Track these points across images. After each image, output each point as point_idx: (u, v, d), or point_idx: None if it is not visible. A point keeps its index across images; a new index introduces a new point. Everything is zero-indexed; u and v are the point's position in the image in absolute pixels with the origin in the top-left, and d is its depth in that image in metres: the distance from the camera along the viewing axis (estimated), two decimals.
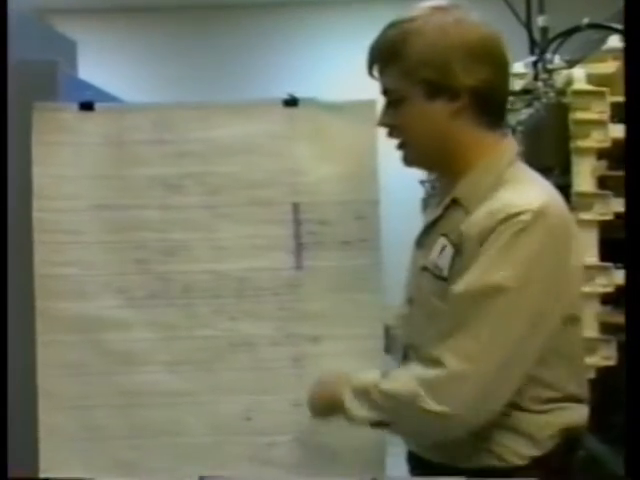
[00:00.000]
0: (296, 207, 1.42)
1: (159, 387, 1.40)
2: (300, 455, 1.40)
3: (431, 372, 1.06)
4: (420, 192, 1.98)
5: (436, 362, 1.05)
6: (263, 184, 1.42)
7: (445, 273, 1.12)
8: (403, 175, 1.44)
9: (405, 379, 1.09)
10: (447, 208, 1.16)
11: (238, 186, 1.42)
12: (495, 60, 1.13)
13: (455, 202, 1.15)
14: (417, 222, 1.32)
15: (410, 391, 1.06)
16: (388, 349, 1.41)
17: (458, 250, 1.10)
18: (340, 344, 1.41)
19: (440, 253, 1.14)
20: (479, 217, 1.07)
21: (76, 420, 1.40)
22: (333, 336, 1.41)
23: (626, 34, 1.05)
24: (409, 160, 1.18)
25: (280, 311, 1.42)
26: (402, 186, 1.84)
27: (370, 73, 1.17)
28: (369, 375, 1.16)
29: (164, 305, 1.41)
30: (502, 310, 1.04)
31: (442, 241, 1.14)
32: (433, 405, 1.05)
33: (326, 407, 1.21)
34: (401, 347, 1.25)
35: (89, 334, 1.41)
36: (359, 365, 1.35)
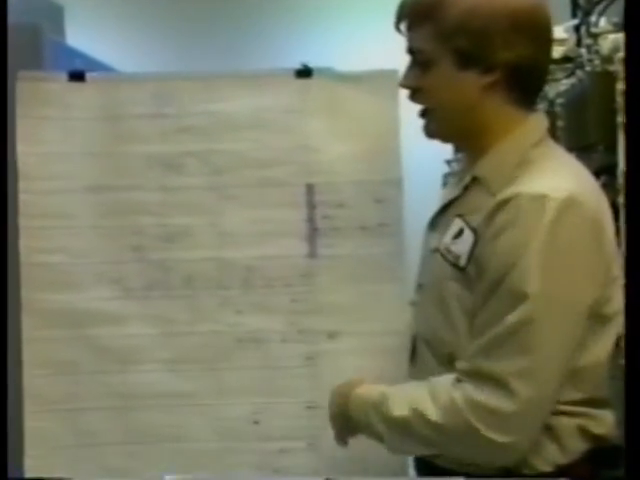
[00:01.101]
0: (310, 188, 1.34)
1: (158, 388, 1.32)
2: (314, 463, 1.32)
3: (494, 400, 0.96)
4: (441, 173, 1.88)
5: (499, 386, 0.95)
6: (273, 163, 1.34)
7: (463, 262, 1.03)
8: (428, 153, 1.36)
9: (457, 405, 0.98)
10: (467, 187, 1.09)
11: (246, 165, 1.34)
12: (540, 34, 1.04)
13: (476, 181, 1.06)
14: None
15: (469, 423, 0.96)
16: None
17: (478, 239, 1.02)
18: (358, 340, 1.32)
19: (456, 237, 1.06)
20: (499, 205, 0.99)
21: (65, 424, 1.32)
22: (350, 332, 1.33)
23: (626, 34, 0.99)
24: (431, 130, 1.10)
25: (292, 304, 1.33)
26: (427, 165, 1.76)
27: (397, 27, 1.08)
28: (398, 395, 1.04)
29: (163, 297, 1.33)
30: (550, 323, 0.96)
31: (458, 223, 1.06)
32: (499, 437, 0.96)
33: (352, 429, 1.11)
34: (410, 338, 1.16)
35: (79, 329, 1.32)
36: (379, 364, 1.29)
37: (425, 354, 1.10)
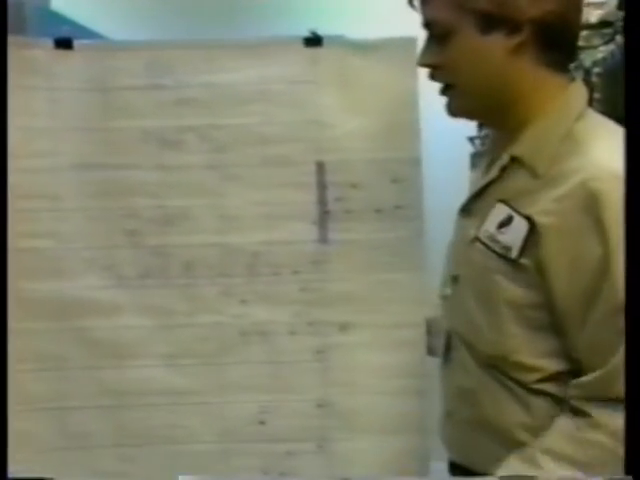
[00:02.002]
0: (320, 167, 1.27)
1: (154, 385, 1.25)
2: (325, 467, 1.26)
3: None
4: (469, 150, 1.81)
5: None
6: (280, 139, 1.27)
7: (514, 254, 0.96)
8: (449, 130, 1.29)
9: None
10: (505, 169, 1.01)
11: (250, 142, 1.27)
12: None
13: (515, 161, 0.99)
14: (467, 186, 1.15)
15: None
16: (432, 350, 1.24)
17: (538, 230, 0.94)
18: (373, 333, 1.26)
19: (503, 225, 0.99)
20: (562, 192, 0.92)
21: (53, 425, 1.25)
22: (364, 324, 1.26)
23: (626, 34, 0.97)
24: (455, 108, 1.04)
25: (301, 293, 1.26)
26: (448, 143, 1.68)
27: (409, 1, 1.01)
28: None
29: (160, 286, 1.26)
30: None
31: (503, 209, 0.99)
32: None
33: None
34: (443, 335, 1.10)
35: (68, 320, 1.25)
36: (395, 359, 1.24)
37: (462, 354, 1.03)
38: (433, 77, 1.04)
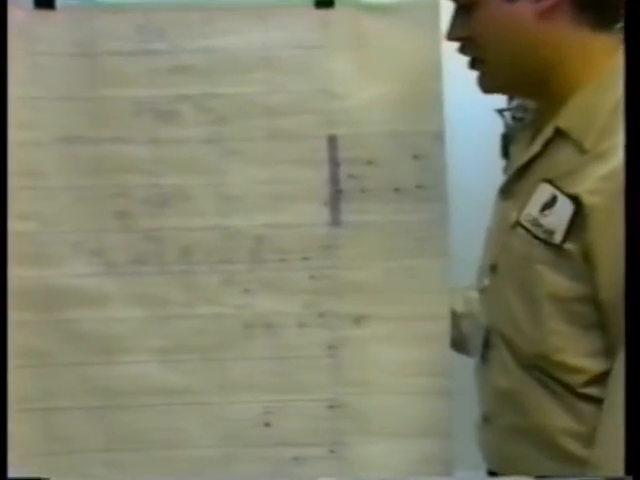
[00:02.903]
0: (332, 142, 1.19)
1: (148, 383, 1.18)
2: (337, 474, 1.19)
3: None
4: (498, 124, 1.76)
5: None
6: (288, 111, 1.19)
7: (558, 238, 0.91)
8: (476, 101, 1.22)
9: None
10: (548, 143, 0.96)
11: (254, 113, 1.19)
12: None
13: (560, 134, 0.93)
14: (495, 164, 1.15)
15: None
16: (457, 344, 1.18)
17: (581, 210, 0.89)
18: (391, 326, 1.19)
19: (547, 207, 0.94)
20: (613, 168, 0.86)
21: (36, 427, 1.18)
22: (382, 315, 1.19)
23: (626, 34, 0.89)
24: (487, 83, 1.00)
25: (311, 281, 1.19)
26: (474, 116, 1.62)
27: None
28: None
29: (155, 273, 1.19)
30: None
31: (547, 190, 0.94)
32: None
33: None
34: (481, 331, 1.05)
35: (52, 312, 1.18)
36: (416, 355, 1.18)
37: (502, 352, 0.98)
38: (463, 51, 1.01)
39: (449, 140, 1.20)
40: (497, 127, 1.67)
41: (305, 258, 1.20)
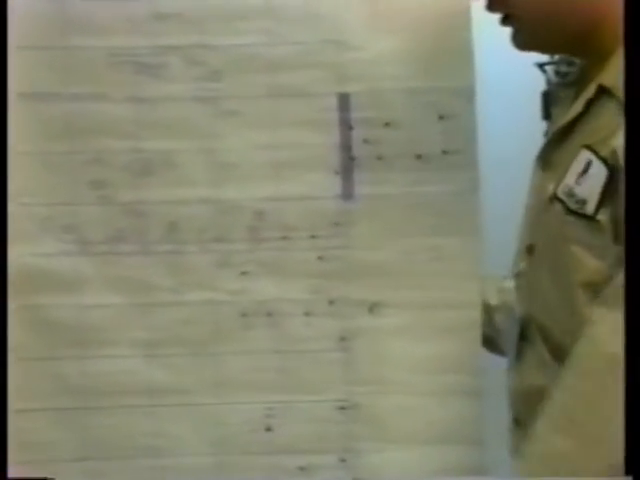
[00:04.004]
0: (344, 100, 1.10)
1: (131, 381, 1.10)
2: None
3: None
4: (539, 80, 1.70)
5: None
6: (292, 65, 1.10)
7: (591, 209, 0.86)
8: (512, 53, 1.13)
9: None
10: (591, 103, 0.90)
11: (252, 68, 1.10)
12: None
13: (604, 92, 0.88)
14: (535, 127, 1.09)
15: None
16: (489, 341, 1.11)
17: (614, 174, 0.84)
18: (411, 315, 1.10)
19: (582, 175, 0.88)
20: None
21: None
22: (400, 303, 1.10)
23: (625, 35, 0.86)
24: (521, 41, 0.94)
25: (319, 264, 1.11)
26: (510, 70, 1.53)
27: None
28: None
29: (137, 253, 1.10)
30: None
31: (586, 156, 0.87)
32: None
33: None
34: (517, 323, 0.97)
35: (19, 297, 1.09)
36: (440, 349, 1.09)
37: (538, 346, 0.92)
38: (491, 7, 0.95)
39: (480, 99, 1.11)
40: (537, 84, 1.59)
41: (312, 236, 1.11)
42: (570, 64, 1.19)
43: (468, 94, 1.10)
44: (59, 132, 1.10)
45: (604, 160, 0.85)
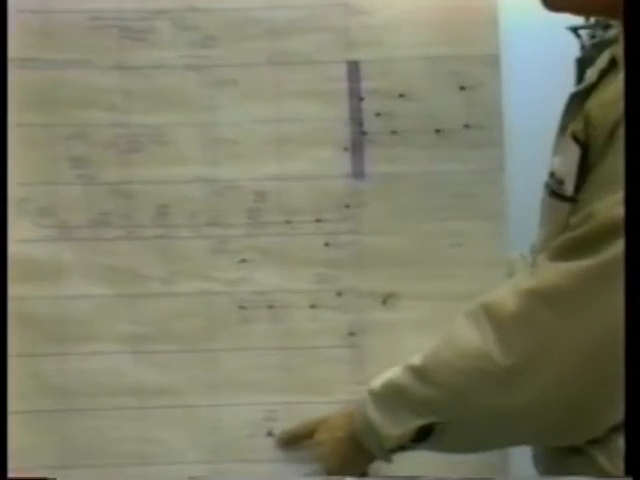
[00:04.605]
0: (353, 69, 1.02)
1: (116, 380, 1.02)
2: None
3: None
4: (572, 46, 1.61)
5: None
6: (295, 30, 1.03)
7: (568, 189, 0.82)
8: (542, 16, 1.06)
9: None
10: (605, 74, 0.84)
11: (251, 33, 1.02)
12: None
13: (615, 65, 0.83)
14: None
15: None
16: None
17: (586, 147, 0.81)
18: (428, 308, 1.02)
19: (561, 152, 0.85)
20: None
21: None
22: (416, 294, 1.03)
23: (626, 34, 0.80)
24: (554, 2, 0.86)
25: (326, 250, 1.03)
26: (540, 35, 1.46)
27: None
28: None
29: (123, 238, 1.02)
30: None
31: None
32: None
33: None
34: None
35: None
36: None
37: None
38: None
39: (506, 67, 1.03)
40: (571, 50, 1.52)
41: (319, 220, 1.03)
42: (606, 28, 1.11)
43: (492, 62, 1.03)
44: (37, 103, 1.02)
45: (574, 136, 0.81)
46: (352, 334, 1.03)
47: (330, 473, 0.96)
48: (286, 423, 1.01)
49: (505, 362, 0.80)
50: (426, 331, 1.01)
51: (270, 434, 1.02)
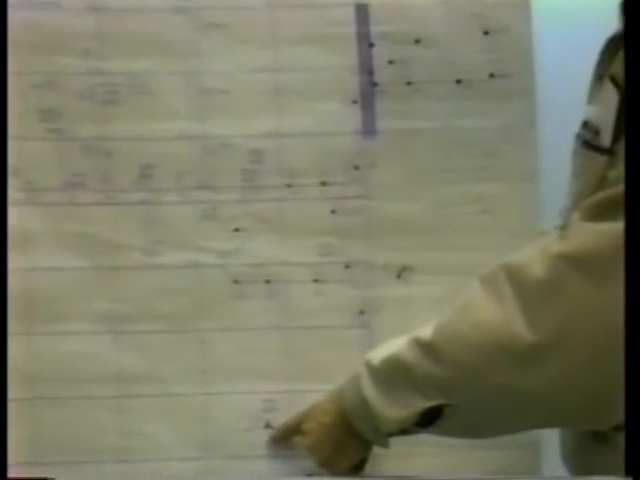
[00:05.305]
0: (362, 11, 0.95)
1: (93, 365, 0.94)
2: None
3: None
4: None
5: None
6: None
7: (605, 140, 0.74)
8: None
9: None
10: None
11: None
12: None
13: None
14: None
15: None
16: None
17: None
18: (448, 282, 0.93)
19: (597, 99, 0.78)
20: None
21: None
22: (435, 267, 0.95)
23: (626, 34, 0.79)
24: None
25: (333, 218, 0.96)
26: None
27: None
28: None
29: (101, 204, 0.94)
30: None
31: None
32: None
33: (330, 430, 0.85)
34: None
35: None
36: None
37: None
38: None
39: (538, 8, 0.95)
40: None
41: (324, 183, 0.95)
42: None
43: (521, 3, 0.94)
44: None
45: (613, 79, 0.74)
46: (362, 312, 0.95)
47: (322, 465, 0.86)
48: (286, 414, 0.93)
49: (530, 337, 0.71)
50: (445, 309, 0.95)
51: (268, 426, 0.94)
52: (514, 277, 0.74)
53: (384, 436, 0.81)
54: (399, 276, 0.95)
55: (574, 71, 0.89)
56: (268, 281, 0.95)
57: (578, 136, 0.82)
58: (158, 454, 0.95)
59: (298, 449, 0.92)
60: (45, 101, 0.94)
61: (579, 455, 0.85)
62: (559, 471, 0.90)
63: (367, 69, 0.95)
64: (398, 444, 0.86)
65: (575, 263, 0.72)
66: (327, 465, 0.88)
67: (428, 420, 0.79)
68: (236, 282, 0.95)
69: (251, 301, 0.96)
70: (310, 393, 0.93)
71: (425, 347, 0.78)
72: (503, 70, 0.94)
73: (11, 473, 0.89)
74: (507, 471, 0.92)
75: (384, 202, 0.96)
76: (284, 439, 0.92)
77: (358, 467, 0.88)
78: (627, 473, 0.71)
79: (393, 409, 0.80)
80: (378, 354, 0.83)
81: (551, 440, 0.89)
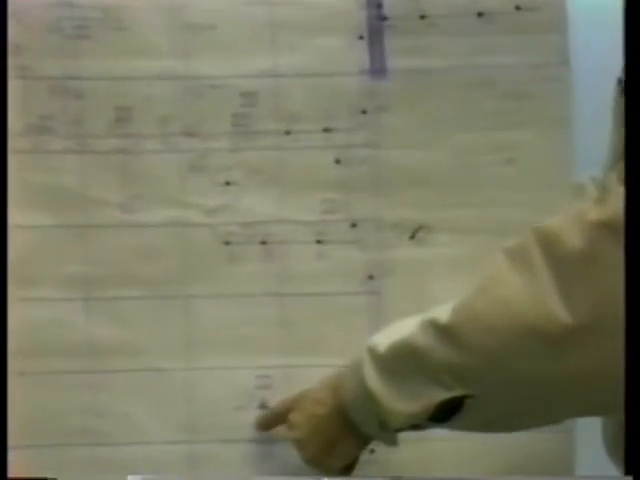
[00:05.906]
0: None
1: (63, 336, 0.85)
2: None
3: None
4: None
5: None
6: None
7: None
8: None
9: None
10: None
11: None
12: None
13: None
14: None
15: None
16: None
17: None
18: (468, 243, 0.86)
19: None
20: None
21: None
22: (453, 226, 0.87)
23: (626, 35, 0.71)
24: None
25: (337, 169, 0.87)
26: None
27: None
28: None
29: (71, 151, 0.85)
30: None
31: None
32: None
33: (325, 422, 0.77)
34: None
35: None
36: None
37: None
38: None
39: None
40: None
41: (327, 130, 0.86)
42: None
43: None
44: None
45: None
46: (371, 277, 0.87)
47: (310, 463, 0.77)
48: (284, 392, 0.84)
49: (567, 318, 0.62)
50: (465, 274, 0.85)
51: (263, 406, 0.85)
52: (549, 247, 0.65)
53: (391, 433, 0.73)
54: (413, 236, 0.88)
55: (614, 2, 0.82)
56: (264, 242, 0.87)
57: (620, 81, 0.74)
58: (136, 437, 0.87)
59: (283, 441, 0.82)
60: (15, 37, 0.84)
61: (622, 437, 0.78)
62: (596, 458, 0.83)
63: (375, 0, 0.87)
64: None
65: (616, 233, 0.63)
66: (316, 463, 0.77)
67: (444, 414, 0.71)
68: (227, 243, 0.87)
69: (244, 264, 0.88)
70: (311, 368, 0.84)
71: (442, 330, 0.69)
72: (531, 1, 0.85)
73: None
74: (537, 458, 0.83)
75: (395, 151, 0.87)
76: (267, 428, 0.84)
77: (349, 467, 0.79)
78: (627, 473, 0.67)
79: (404, 402, 0.71)
80: (384, 339, 0.73)
81: (588, 423, 0.81)
